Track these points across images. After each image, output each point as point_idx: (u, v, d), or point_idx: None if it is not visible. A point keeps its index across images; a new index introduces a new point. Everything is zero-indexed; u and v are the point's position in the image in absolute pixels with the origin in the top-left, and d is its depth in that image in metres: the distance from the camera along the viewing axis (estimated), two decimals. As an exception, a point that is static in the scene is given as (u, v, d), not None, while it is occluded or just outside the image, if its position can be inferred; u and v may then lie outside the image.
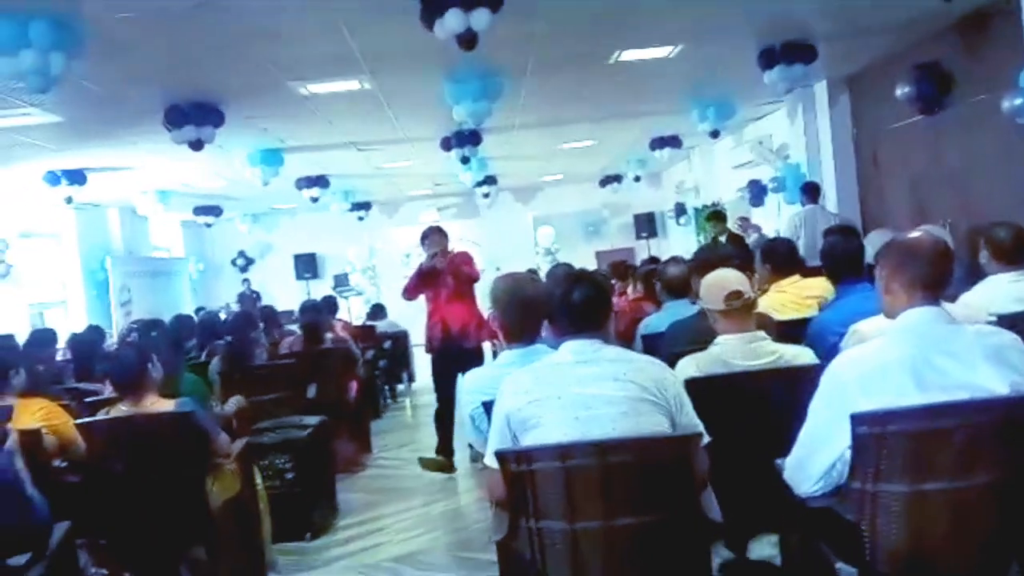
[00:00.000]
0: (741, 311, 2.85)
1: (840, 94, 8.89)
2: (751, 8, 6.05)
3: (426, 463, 5.50)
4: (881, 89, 7.92)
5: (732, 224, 10.04)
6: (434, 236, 5.65)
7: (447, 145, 9.53)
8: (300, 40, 5.64)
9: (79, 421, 3.50)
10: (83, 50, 4.73)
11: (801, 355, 2.81)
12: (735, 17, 6.20)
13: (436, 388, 5.73)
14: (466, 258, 5.82)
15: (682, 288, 4.19)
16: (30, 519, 2.51)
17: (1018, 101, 5.76)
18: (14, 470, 2.50)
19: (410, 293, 5.73)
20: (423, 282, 5.62)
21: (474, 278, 5.76)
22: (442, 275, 5.56)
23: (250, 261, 16.87)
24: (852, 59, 8.10)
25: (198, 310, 10.75)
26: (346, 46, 5.81)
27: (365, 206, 15.29)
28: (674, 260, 4.95)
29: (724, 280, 2.91)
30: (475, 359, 5.40)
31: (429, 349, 5.74)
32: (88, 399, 4.23)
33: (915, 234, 2.24)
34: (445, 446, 5.56)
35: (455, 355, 5.45)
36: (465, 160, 9.86)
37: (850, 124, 8.91)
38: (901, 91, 7.17)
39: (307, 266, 16.27)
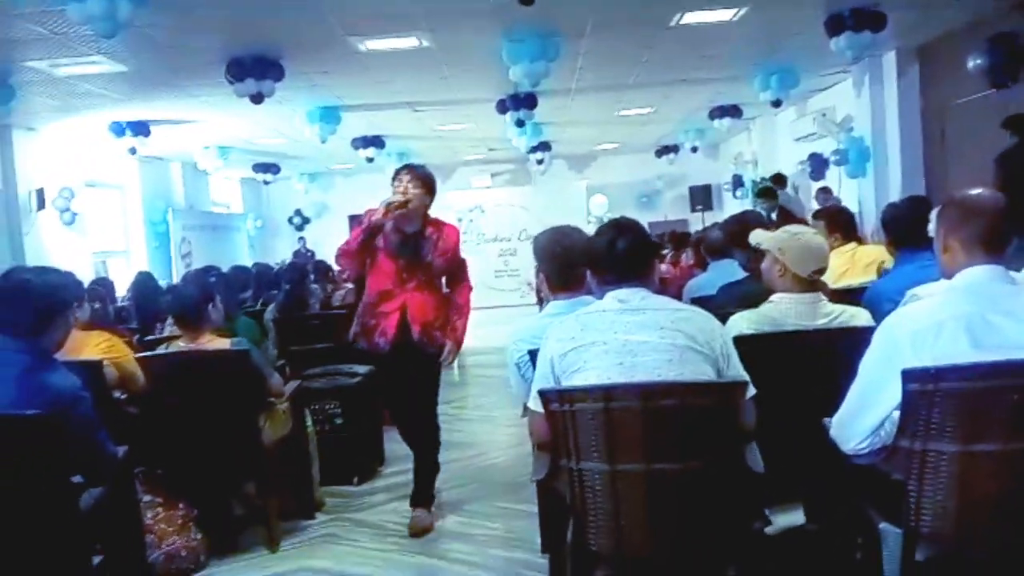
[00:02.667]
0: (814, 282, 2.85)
1: (909, 65, 8.61)
2: (821, -30, 5.89)
3: (412, 527, 3.83)
4: (952, 61, 7.65)
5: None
6: (408, 176, 3.70)
7: (503, 108, 9.52)
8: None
9: (139, 355, 3.64)
10: (149, -4, 4.82)
11: (858, 316, 2.77)
12: (803, -21, 6.05)
13: (389, 405, 4.14)
14: (456, 241, 3.88)
15: (724, 249, 4.20)
16: (100, 448, 2.60)
17: (1098, 74, 5.52)
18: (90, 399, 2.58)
19: (348, 258, 3.81)
20: (368, 244, 3.73)
21: (460, 274, 3.93)
22: (421, 244, 3.73)
23: (306, 220, 17.15)
24: (923, 29, 7.83)
25: (255, 266, 10.96)
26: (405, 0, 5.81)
27: (419, 169, 15.37)
28: (715, 225, 5.01)
29: (821, 252, 2.88)
30: (434, 369, 3.83)
31: (370, 346, 3.80)
32: (148, 337, 4.39)
33: (975, 191, 2.17)
34: (422, 491, 3.93)
35: (409, 360, 3.74)
36: (520, 124, 9.84)
37: (918, 96, 8.64)
38: (973, 63, 6.93)
39: (362, 227, 16.43)
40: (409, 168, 3.78)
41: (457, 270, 3.91)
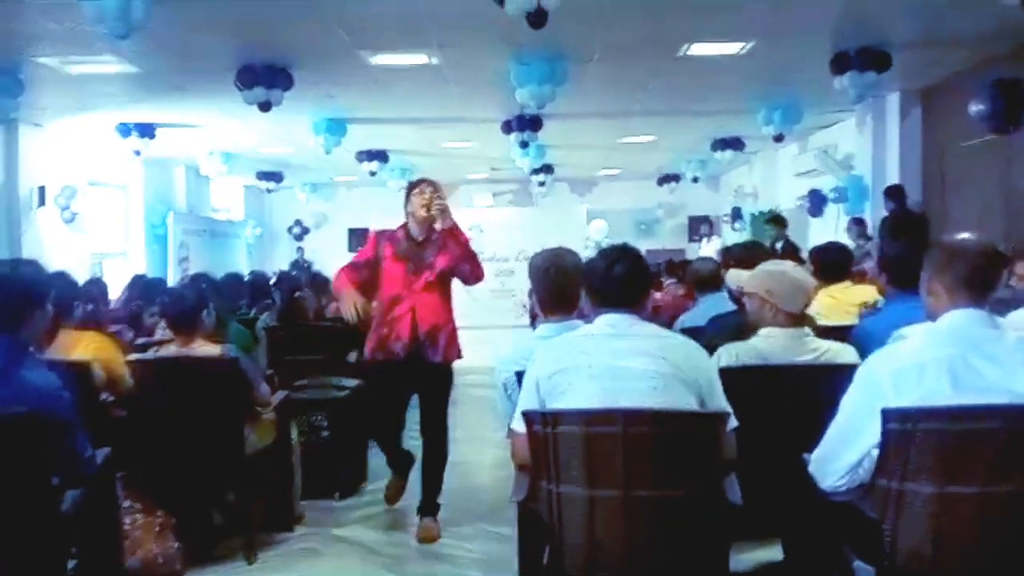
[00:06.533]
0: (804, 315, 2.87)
1: (912, 107, 8.69)
2: (829, 8, 5.95)
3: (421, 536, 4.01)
4: (955, 105, 7.71)
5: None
6: (432, 189, 3.92)
7: (508, 128, 9.58)
8: (374, 3, 5.69)
9: (129, 357, 3.64)
10: (163, -1, 4.86)
11: (844, 353, 2.78)
12: (811, 16, 6.11)
13: (373, 406, 4.23)
14: (464, 241, 4.08)
15: (713, 281, 4.25)
16: (77, 450, 2.57)
17: (1098, 125, 5.57)
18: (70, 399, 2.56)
19: (352, 274, 4.02)
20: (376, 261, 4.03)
21: (477, 275, 4.15)
22: (428, 251, 3.97)
23: (305, 230, 17.20)
24: (928, 71, 7.91)
25: (251, 274, 10.98)
26: (417, 15, 5.86)
27: (422, 185, 15.44)
28: (702, 259, 5.01)
29: (807, 284, 2.93)
30: (442, 381, 4.07)
31: (384, 354, 3.96)
32: (139, 341, 4.39)
33: (962, 236, 2.20)
34: (430, 502, 4.10)
35: (415, 370, 3.94)
36: (524, 145, 9.90)
37: (920, 138, 8.71)
38: (975, 108, 6.98)
39: (360, 240, 16.41)
40: (430, 182, 3.98)
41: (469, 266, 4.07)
